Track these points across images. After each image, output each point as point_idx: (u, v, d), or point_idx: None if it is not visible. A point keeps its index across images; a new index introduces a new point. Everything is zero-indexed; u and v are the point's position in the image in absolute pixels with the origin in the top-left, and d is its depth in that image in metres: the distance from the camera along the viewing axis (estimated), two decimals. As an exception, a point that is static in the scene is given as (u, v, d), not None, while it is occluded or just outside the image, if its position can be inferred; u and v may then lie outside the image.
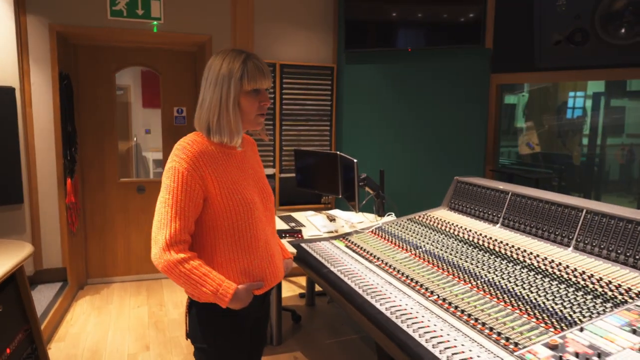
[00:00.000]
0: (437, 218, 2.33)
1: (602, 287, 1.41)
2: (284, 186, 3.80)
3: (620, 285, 1.40)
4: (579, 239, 1.70)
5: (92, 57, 3.57)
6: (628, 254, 1.52)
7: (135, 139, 4.69)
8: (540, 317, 1.28)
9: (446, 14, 3.36)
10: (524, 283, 1.50)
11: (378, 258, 1.90)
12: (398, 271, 1.73)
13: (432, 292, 1.50)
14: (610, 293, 1.37)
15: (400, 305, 1.42)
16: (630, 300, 1.31)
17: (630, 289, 1.37)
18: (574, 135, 3.93)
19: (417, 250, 1.94)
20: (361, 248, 2.06)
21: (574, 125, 3.84)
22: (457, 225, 2.14)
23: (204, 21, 3.48)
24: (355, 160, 2.53)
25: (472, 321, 1.30)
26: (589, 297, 1.36)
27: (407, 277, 1.66)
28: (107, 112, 3.67)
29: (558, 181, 3.74)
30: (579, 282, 1.46)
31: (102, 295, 3.52)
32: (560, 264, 1.60)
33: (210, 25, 3.49)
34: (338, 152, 2.83)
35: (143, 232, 3.85)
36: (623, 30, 2.49)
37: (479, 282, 1.55)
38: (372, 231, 2.33)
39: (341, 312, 3.22)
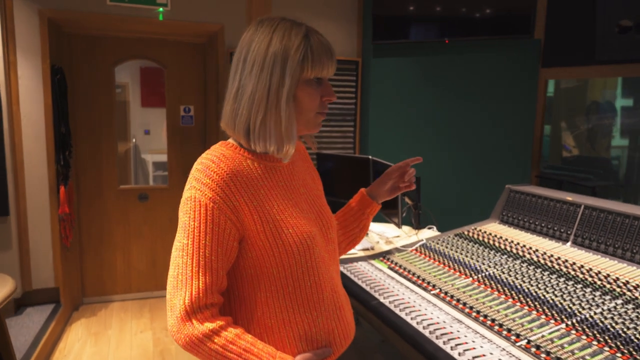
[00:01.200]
0: (489, 233, 2.08)
1: None
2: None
3: None
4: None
5: (89, 48, 3.34)
6: None
7: (134, 140, 4.52)
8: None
9: (490, 0, 3.11)
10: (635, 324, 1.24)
11: (434, 285, 1.65)
12: (464, 304, 1.47)
13: (518, 336, 1.25)
14: None
15: (484, 355, 1.17)
16: None
17: None
18: (603, 138, 3.74)
19: (479, 275, 1.69)
20: (409, 271, 1.81)
21: (605, 127, 3.63)
22: (516, 243, 1.90)
23: (215, 8, 3.25)
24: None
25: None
26: None
27: (478, 312, 1.40)
28: (106, 111, 3.44)
29: (618, 188, 3.48)
30: None
31: (100, 317, 3.28)
32: (673, 297, 1.34)
33: (222, 13, 3.26)
34: (370, 157, 2.58)
35: (145, 245, 3.61)
36: None
37: (573, 320, 1.29)
38: (416, 249, 2.08)
39: (373, 337, 2.96)
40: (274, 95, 0.89)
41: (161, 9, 3.11)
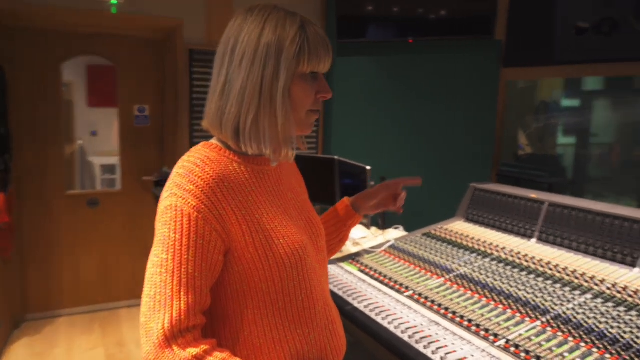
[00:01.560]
0: (456, 232, 2.11)
1: None
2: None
3: None
4: (648, 258, 1.50)
5: (33, 43, 3.12)
6: None
7: (80, 142, 4.29)
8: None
9: (452, 1, 3.16)
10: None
11: (407, 287, 1.63)
12: (440, 305, 1.46)
13: (496, 335, 1.24)
14: None
15: (466, 358, 1.15)
16: None
17: None
18: (551, 136, 3.93)
19: (451, 275, 1.69)
20: (380, 274, 1.79)
21: (552, 126, 3.82)
22: (484, 241, 1.92)
23: (173, 2, 3.11)
24: (368, 168, 2.26)
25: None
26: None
27: (454, 313, 1.39)
28: (51, 111, 3.22)
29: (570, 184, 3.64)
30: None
31: (45, 335, 3.05)
32: (626, 288, 1.38)
33: (181, 7, 3.13)
34: (336, 157, 2.55)
35: (95, 255, 3.41)
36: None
37: (548, 317, 1.30)
38: (385, 250, 2.06)
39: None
40: (267, 90, 0.82)
41: (114, 1, 2.94)
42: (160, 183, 2.11)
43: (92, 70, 4.31)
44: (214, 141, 0.90)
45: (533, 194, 2.05)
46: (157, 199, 2.29)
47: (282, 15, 0.85)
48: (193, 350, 0.74)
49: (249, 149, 0.85)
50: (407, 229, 2.58)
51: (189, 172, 0.81)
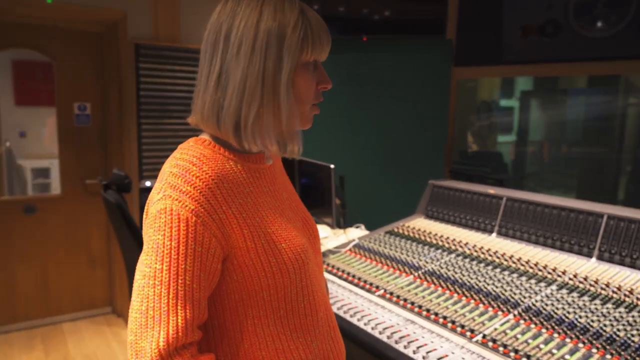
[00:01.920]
0: (417, 229, 2.13)
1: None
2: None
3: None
4: (602, 248, 1.58)
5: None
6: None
7: (7, 144, 3.94)
8: None
9: (406, 1, 3.21)
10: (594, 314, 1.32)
11: (378, 286, 1.61)
12: (413, 303, 1.45)
13: (472, 331, 1.25)
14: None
15: (447, 356, 1.14)
16: None
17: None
18: (491, 134, 4.14)
19: (419, 272, 1.69)
20: (349, 274, 1.76)
21: (492, 125, 4.03)
22: (446, 237, 1.95)
23: (115, -7, 2.92)
24: (332, 166, 2.23)
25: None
26: None
27: (428, 310, 1.39)
28: (-23, 110, 2.92)
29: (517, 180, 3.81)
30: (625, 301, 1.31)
31: (-23, 355, 2.78)
32: (586, 278, 1.44)
33: (123, -1, 2.95)
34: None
35: (34, 266, 3.14)
36: (599, 24, 2.51)
37: (519, 309, 1.33)
38: (350, 250, 2.04)
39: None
40: (270, 81, 0.75)
41: (49, -10, 2.72)
42: (111, 186, 1.96)
43: (18, 65, 3.97)
44: (204, 136, 0.82)
45: (491, 190, 2.11)
46: (108, 203, 2.13)
47: None
48: None
49: (253, 146, 0.78)
50: (368, 228, 2.58)
51: (185, 171, 0.73)
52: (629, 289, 1.35)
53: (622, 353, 1.09)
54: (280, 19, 0.75)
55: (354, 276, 1.73)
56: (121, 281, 3.23)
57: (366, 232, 2.45)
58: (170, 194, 0.71)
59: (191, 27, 3.16)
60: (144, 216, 0.77)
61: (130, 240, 1.91)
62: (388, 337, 1.24)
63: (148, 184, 3.07)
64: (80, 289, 3.31)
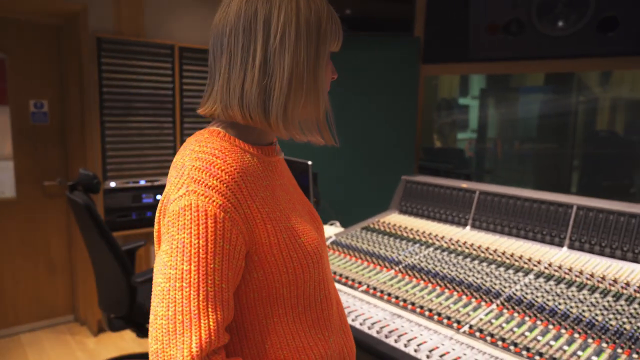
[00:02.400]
0: (393, 224, 2.15)
1: None
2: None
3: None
4: (573, 237, 1.65)
5: None
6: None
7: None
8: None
9: (370, -2, 3.23)
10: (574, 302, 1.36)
11: (360, 282, 1.61)
12: (397, 297, 1.46)
13: (458, 322, 1.27)
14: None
15: (438, 347, 1.16)
16: None
17: None
18: (452, 131, 4.29)
19: (400, 267, 1.71)
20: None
21: (452, 122, 4.17)
22: (422, 232, 1.98)
23: (73, -15, 2.78)
24: (310, 163, 2.21)
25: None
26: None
27: (413, 304, 1.40)
28: None
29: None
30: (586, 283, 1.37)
31: None
32: (560, 266, 1.51)
33: (81, -10, 2.81)
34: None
35: (-13, 274, 2.94)
36: (560, 23, 2.62)
37: (501, 299, 1.37)
38: (328, 247, 2.04)
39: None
40: (312, 71, 0.75)
41: (1, -21, 2.54)
42: (77, 187, 1.86)
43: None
44: (217, 128, 0.78)
45: (464, 184, 2.16)
46: (75, 205, 2.03)
47: None
48: None
49: (297, 136, 0.78)
50: (342, 224, 2.58)
51: (209, 164, 0.70)
52: (601, 276, 1.42)
53: (603, 337, 1.14)
54: (314, 8, 0.75)
55: (334, 272, 1.72)
56: (84, 287, 3.08)
57: (342, 229, 2.46)
58: (194, 189, 0.68)
59: (156, 22, 3.05)
60: (158, 216, 0.73)
61: (100, 243, 1.82)
62: (377, 332, 1.24)
63: (113, 184, 2.94)
64: (40, 297, 3.14)
